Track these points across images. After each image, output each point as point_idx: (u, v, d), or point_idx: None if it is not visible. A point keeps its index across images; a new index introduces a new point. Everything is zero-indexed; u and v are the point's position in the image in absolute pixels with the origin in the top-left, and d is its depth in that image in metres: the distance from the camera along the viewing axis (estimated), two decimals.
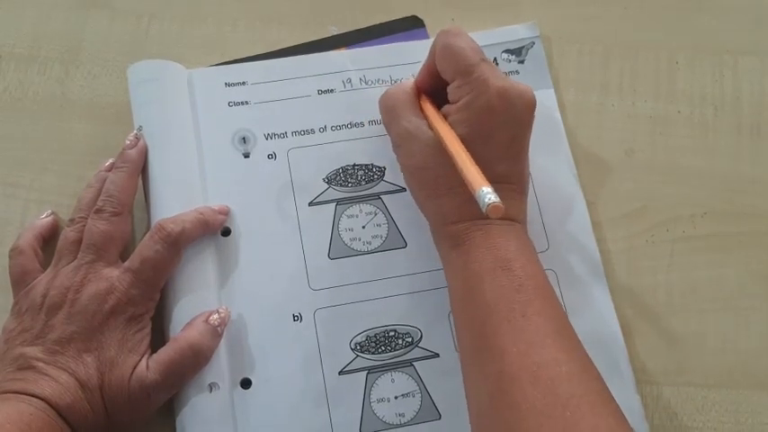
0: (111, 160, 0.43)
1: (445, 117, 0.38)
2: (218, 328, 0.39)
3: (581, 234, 0.43)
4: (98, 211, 0.40)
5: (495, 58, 0.47)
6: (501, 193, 0.32)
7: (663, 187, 0.45)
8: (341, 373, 0.40)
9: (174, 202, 0.42)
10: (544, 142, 0.45)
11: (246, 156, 0.44)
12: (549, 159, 0.45)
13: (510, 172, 0.38)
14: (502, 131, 0.37)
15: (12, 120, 0.46)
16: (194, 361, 0.38)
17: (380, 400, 0.40)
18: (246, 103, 0.45)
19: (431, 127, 0.38)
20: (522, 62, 0.47)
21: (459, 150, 0.35)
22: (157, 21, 0.48)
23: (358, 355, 0.41)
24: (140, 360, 0.37)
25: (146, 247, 0.39)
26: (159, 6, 0.49)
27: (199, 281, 0.41)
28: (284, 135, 0.45)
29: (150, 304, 0.39)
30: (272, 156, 0.44)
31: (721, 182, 0.46)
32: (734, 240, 0.44)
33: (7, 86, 0.47)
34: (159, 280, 0.39)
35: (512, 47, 0.47)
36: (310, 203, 0.43)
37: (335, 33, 0.48)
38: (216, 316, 0.39)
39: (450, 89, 0.38)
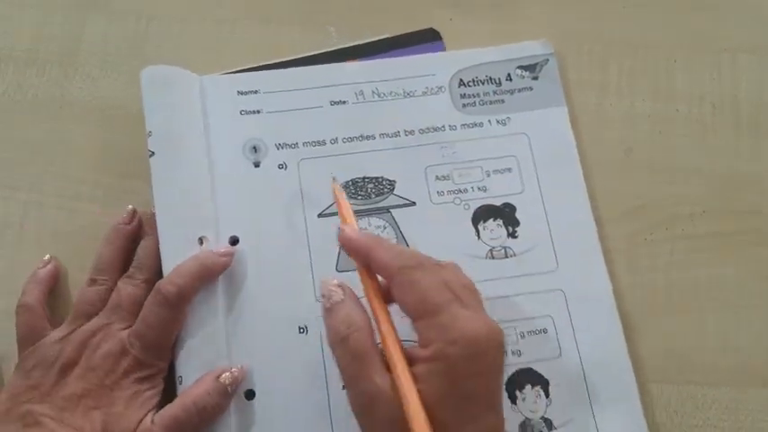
0: (127, 211, 0.42)
1: (411, 362, 0.32)
2: (229, 388, 0.38)
3: (591, 255, 0.43)
4: (129, 276, 0.40)
5: (509, 74, 0.46)
6: None
7: (662, 186, 0.45)
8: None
9: (182, 210, 0.41)
10: (555, 162, 0.45)
11: (257, 165, 0.44)
12: (560, 179, 0.44)
13: (488, 428, 0.32)
14: (478, 383, 0.31)
15: (10, 122, 0.46)
16: (198, 420, 0.37)
17: None
18: (258, 111, 0.45)
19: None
20: (535, 78, 0.47)
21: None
22: (156, 22, 0.48)
23: None
24: (146, 415, 0.37)
25: (149, 312, 0.38)
26: (158, 7, 0.49)
27: (206, 290, 0.40)
28: (295, 145, 0.44)
29: (162, 365, 0.38)
30: (282, 166, 0.44)
31: (720, 180, 0.46)
32: (733, 239, 0.44)
33: (6, 89, 0.47)
34: (166, 342, 0.39)
35: (526, 63, 0.47)
36: (319, 215, 0.43)
37: (334, 34, 0.48)
38: (227, 374, 0.38)
39: (416, 326, 0.33)
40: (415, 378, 0.31)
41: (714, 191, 0.45)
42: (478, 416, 0.31)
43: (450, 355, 0.31)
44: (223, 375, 0.38)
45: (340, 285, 0.35)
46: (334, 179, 0.41)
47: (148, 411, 0.37)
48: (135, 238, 0.42)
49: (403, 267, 0.33)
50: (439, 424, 0.30)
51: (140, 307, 0.39)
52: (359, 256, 0.35)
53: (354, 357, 0.32)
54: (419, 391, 0.31)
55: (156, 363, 0.38)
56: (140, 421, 0.37)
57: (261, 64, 0.47)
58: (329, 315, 0.34)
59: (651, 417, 0.41)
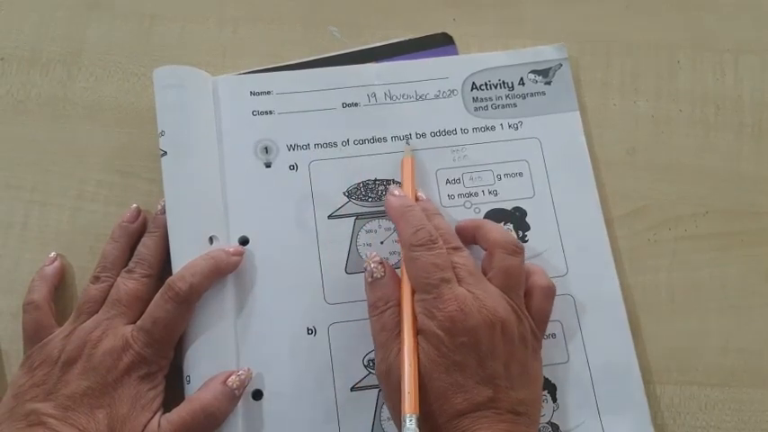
0: (131, 209, 0.42)
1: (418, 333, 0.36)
2: (236, 391, 0.38)
3: (601, 261, 0.43)
4: (129, 271, 0.40)
5: (521, 78, 0.46)
6: (477, 420, 0.33)
7: (665, 186, 0.45)
8: (353, 389, 0.40)
9: (193, 209, 0.41)
10: (567, 167, 0.45)
11: (268, 165, 0.44)
12: (571, 183, 0.44)
13: (492, 397, 0.34)
14: (466, 356, 0.34)
15: (14, 121, 0.46)
16: (206, 424, 0.37)
17: (390, 419, 0.39)
18: (271, 112, 0.45)
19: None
20: (548, 83, 0.46)
21: (408, 374, 0.34)
22: (159, 22, 0.48)
23: (370, 372, 0.40)
24: (152, 418, 0.37)
25: (157, 307, 0.38)
26: (160, 7, 0.49)
27: (215, 289, 0.40)
28: (307, 146, 0.44)
29: (164, 362, 0.38)
30: (293, 167, 0.44)
31: (723, 180, 0.46)
32: (736, 239, 0.44)
33: (9, 88, 0.47)
34: (172, 339, 0.38)
35: (539, 67, 0.47)
36: (329, 216, 0.43)
37: (337, 35, 0.48)
38: (234, 378, 0.38)
39: (415, 299, 0.37)
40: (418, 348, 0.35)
41: (717, 191, 0.45)
42: (469, 387, 0.34)
43: (429, 328, 0.35)
44: (230, 379, 0.38)
45: (382, 263, 0.39)
46: (407, 142, 0.44)
47: (154, 414, 0.37)
48: (139, 237, 0.42)
49: (411, 245, 0.37)
50: (432, 391, 0.34)
51: (140, 302, 0.39)
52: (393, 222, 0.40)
53: (383, 328, 0.37)
54: (419, 360, 0.35)
55: (158, 360, 0.38)
56: (147, 424, 0.37)
57: (273, 65, 0.47)
58: (370, 288, 0.38)
59: (654, 417, 0.41)
